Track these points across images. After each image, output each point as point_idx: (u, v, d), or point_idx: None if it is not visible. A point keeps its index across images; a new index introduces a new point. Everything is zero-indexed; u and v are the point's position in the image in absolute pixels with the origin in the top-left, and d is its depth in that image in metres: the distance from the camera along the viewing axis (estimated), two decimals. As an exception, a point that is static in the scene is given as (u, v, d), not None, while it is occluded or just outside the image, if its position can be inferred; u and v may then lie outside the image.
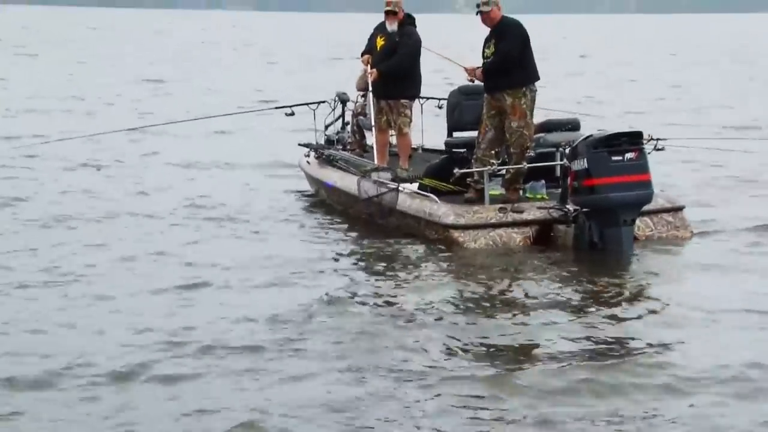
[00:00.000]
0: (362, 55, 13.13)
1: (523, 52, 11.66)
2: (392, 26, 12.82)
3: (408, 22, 12.91)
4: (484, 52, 11.71)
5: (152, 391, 7.14)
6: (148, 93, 29.50)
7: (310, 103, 14.35)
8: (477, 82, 11.91)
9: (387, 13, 12.82)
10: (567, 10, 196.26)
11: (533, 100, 11.59)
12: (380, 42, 12.91)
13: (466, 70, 11.94)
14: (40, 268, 10.27)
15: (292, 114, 14.32)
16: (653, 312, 9.03)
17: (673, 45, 63.76)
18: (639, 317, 8.87)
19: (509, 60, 11.52)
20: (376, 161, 12.79)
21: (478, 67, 11.74)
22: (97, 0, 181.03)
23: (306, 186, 14.36)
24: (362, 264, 10.78)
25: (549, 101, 14.45)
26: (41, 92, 28.43)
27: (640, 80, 36.16)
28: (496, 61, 11.53)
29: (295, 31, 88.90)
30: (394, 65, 12.72)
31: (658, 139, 11.47)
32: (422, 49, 12.89)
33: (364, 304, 9.24)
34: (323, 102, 14.54)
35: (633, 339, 8.27)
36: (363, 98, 13.62)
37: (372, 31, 13.21)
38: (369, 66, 12.87)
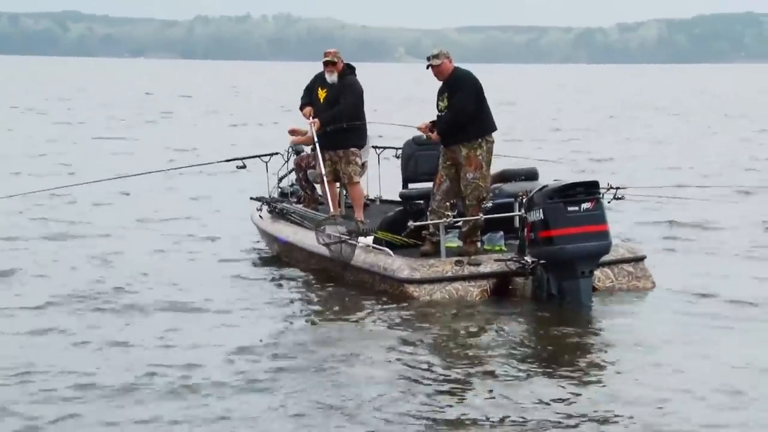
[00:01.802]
0: (302, 108, 13.08)
1: (477, 104, 11.68)
2: (332, 77, 12.86)
3: (348, 72, 12.94)
4: (438, 104, 11.78)
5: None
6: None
7: (263, 155, 14.19)
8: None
9: (326, 63, 12.88)
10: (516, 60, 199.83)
11: (489, 152, 11.61)
12: (322, 94, 12.94)
13: (420, 129, 12.05)
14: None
15: (244, 167, 14.14)
16: (607, 369, 8.95)
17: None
18: (593, 375, 8.75)
19: (464, 114, 11.57)
20: (327, 214, 12.66)
21: (432, 122, 11.81)
22: (19, 47, 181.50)
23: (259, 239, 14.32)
24: (313, 318, 10.78)
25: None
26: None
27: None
28: (450, 116, 11.65)
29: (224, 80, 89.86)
30: (338, 115, 12.70)
31: (617, 188, 11.46)
32: (375, 121, 12.98)
33: (315, 358, 9.15)
34: (276, 154, 14.40)
35: (584, 397, 8.16)
36: (312, 150, 13.58)
37: (309, 82, 13.20)
38: (311, 117, 12.82)
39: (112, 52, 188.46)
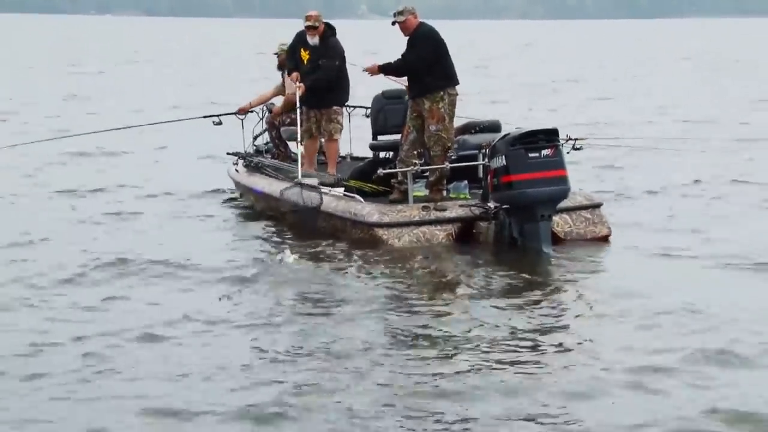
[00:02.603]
0: (290, 72, 13.08)
1: (437, 58, 11.75)
2: (314, 40, 12.85)
3: (329, 33, 12.95)
4: None
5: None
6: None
7: (239, 111, 14.43)
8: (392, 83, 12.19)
9: (308, 28, 12.85)
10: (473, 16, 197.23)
11: (452, 104, 11.69)
12: (305, 55, 12.91)
13: (366, 69, 12.14)
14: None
15: (220, 123, 14.35)
16: (565, 308, 9.16)
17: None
18: (551, 313, 8.95)
19: (413, 67, 11.70)
20: (301, 168, 12.71)
21: (380, 66, 11.97)
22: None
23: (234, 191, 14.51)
24: (287, 261, 10.73)
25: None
26: None
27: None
28: (399, 65, 11.80)
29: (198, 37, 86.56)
30: (323, 78, 12.74)
31: (576, 139, 11.63)
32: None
33: (289, 302, 9.37)
34: (251, 112, 14.57)
35: (543, 334, 8.33)
36: (287, 114, 13.79)
37: (292, 41, 13.17)
38: (298, 82, 12.78)
39: (77, 9, 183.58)
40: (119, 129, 16.40)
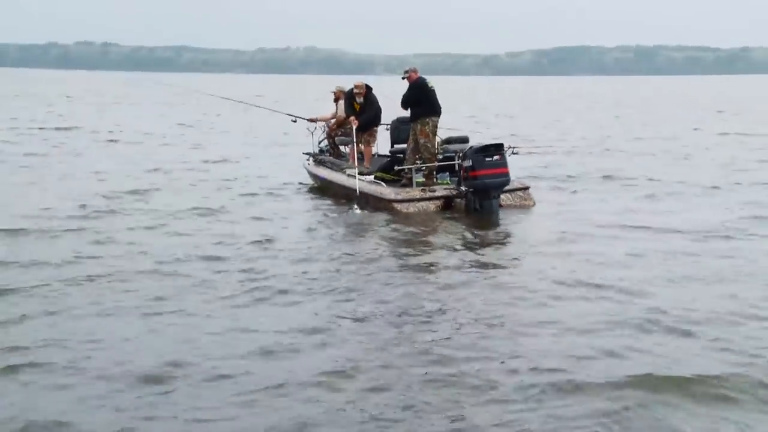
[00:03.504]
0: (348, 116, 12.80)
1: (425, 97, 11.44)
2: (360, 99, 12.83)
3: (369, 91, 12.83)
4: None
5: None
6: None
7: (310, 120, 14.21)
8: (403, 111, 11.87)
9: (356, 93, 12.81)
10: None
11: (435, 126, 11.49)
12: (357, 107, 12.85)
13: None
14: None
15: (295, 121, 14.02)
16: (506, 249, 8.83)
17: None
18: (499, 251, 8.60)
19: (409, 102, 11.46)
20: (348, 163, 12.76)
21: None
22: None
23: (308, 179, 14.13)
24: (335, 226, 10.27)
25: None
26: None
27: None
28: (403, 101, 11.53)
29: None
30: (369, 119, 12.75)
31: (512, 147, 11.52)
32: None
33: (333, 249, 8.77)
34: (317, 127, 14.36)
35: (495, 267, 7.87)
36: (340, 129, 13.58)
37: (347, 95, 12.95)
38: (354, 121, 12.67)
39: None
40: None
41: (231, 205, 11.75)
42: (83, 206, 11.27)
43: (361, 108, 12.87)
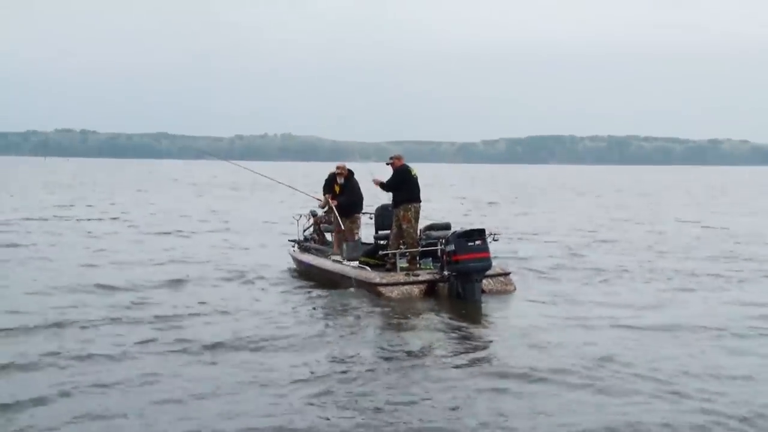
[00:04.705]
0: (325, 194, 13.14)
1: (402, 183, 11.61)
2: (341, 180, 13.07)
3: (350, 175, 13.14)
4: None
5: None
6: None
7: (307, 193, 14.41)
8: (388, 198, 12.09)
9: (338, 174, 13.05)
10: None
11: (417, 211, 11.67)
12: (337, 189, 13.05)
13: (374, 181, 12.03)
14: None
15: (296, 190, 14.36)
16: (487, 330, 9.12)
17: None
18: (478, 333, 8.95)
19: (386, 188, 11.71)
20: (334, 249, 12.88)
21: (381, 182, 11.87)
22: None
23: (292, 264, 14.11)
24: (320, 309, 10.47)
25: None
26: None
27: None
28: (387, 185, 11.75)
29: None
30: (350, 203, 12.92)
31: (494, 234, 11.69)
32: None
33: (324, 323, 9.34)
34: (302, 215, 14.56)
35: (471, 344, 8.31)
36: (326, 215, 13.74)
37: (328, 179, 13.21)
38: (332, 200, 12.92)
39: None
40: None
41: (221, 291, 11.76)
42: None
43: (341, 189, 13.06)
